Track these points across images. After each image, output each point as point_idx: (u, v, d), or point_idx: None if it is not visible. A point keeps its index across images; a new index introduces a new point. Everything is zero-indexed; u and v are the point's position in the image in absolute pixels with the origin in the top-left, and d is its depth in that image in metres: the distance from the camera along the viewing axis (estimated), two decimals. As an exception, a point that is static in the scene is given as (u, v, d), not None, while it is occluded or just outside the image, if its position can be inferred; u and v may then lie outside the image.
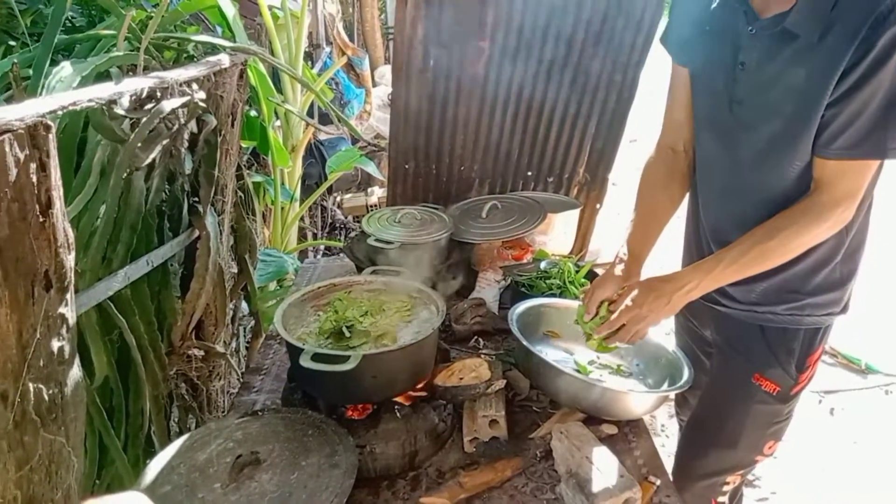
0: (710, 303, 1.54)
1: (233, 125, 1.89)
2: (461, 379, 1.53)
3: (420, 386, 1.54)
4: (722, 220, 1.49)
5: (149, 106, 1.49)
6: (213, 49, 1.87)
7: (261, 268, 2.53)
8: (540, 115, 2.51)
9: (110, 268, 1.50)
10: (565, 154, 2.62)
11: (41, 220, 1.04)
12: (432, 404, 1.49)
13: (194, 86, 1.61)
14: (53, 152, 1.05)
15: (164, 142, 1.55)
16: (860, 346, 3.42)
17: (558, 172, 2.68)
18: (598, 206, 2.76)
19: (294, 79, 3.15)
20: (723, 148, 1.42)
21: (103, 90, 1.27)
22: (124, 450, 1.64)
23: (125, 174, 1.49)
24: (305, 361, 1.23)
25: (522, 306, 1.76)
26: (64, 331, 1.14)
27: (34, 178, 1.02)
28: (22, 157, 0.99)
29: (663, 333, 1.70)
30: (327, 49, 4.69)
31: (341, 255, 3.01)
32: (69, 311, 1.15)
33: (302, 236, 3.89)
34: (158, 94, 1.52)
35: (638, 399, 1.52)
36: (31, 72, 1.51)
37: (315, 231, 4.27)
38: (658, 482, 1.41)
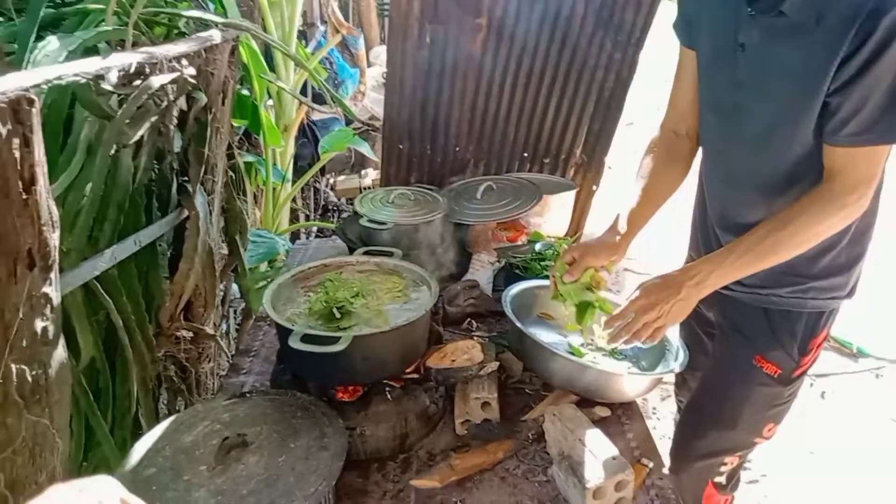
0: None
1: (224, 103, 1.86)
2: (453, 361, 1.52)
3: (411, 368, 1.53)
4: (727, 205, 1.48)
5: (137, 82, 1.46)
6: (205, 25, 1.83)
7: (251, 249, 2.51)
8: (537, 95, 2.47)
9: (97, 247, 1.48)
10: (562, 135, 2.60)
11: (24, 197, 1.02)
12: (424, 386, 1.48)
13: (184, 62, 1.58)
14: (37, 127, 1.03)
15: (153, 119, 1.52)
16: (852, 330, 3.43)
17: (554, 154, 2.65)
18: (594, 187, 2.74)
19: (287, 56, 3.10)
20: (725, 131, 1.41)
21: (90, 65, 1.24)
22: (111, 432, 1.63)
23: (112, 151, 1.46)
24: (295, 342, 1.22)
25: (516, 288, 1.74)
26: (48, 311, 1.12)
27: (17, 154, 1.00)
28: (4, 132, 0.97)
29: None
30: (322, 28, 4.62)
31: (333, 237, 2.99)
32: (53, 291, 1.13)
33: (294, 218, 3.86)
34: (147, 69, 1.48)
35: (631, 381, 1.52)
36: (15, 47, 1.47)
37: (307, 213, 4.24)
38: (651, 464, 1.41)
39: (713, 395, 1.61)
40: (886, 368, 3.32)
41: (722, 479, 1.65)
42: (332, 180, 4.80)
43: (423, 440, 1.46)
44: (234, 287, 2.42)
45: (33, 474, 1.14)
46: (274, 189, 3.20)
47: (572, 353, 1.59)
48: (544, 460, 1.42)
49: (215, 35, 1.72)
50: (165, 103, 1.59)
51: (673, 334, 1.62)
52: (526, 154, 2.66)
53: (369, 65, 5.53)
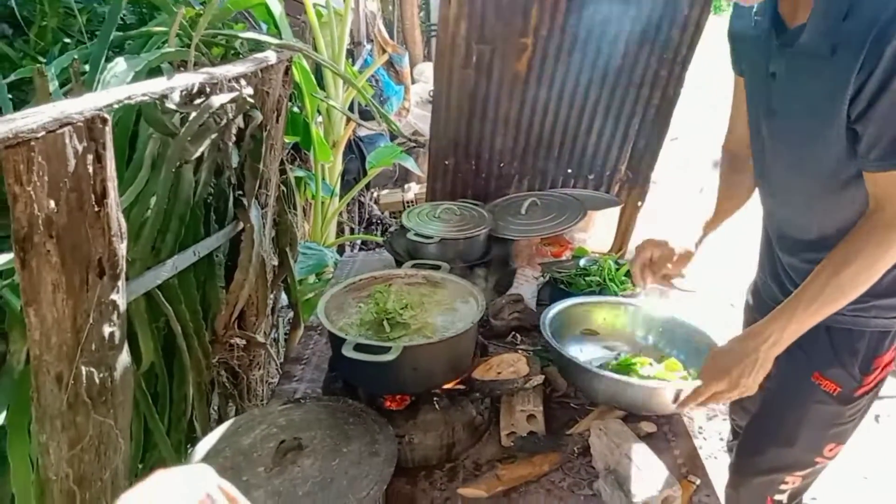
0: (777, 303, 1.52)
1: (278, 120, 1.92)
2: (499, 373, 1.53)
3: (458, 380, 1.55)
4: (781, 226, 1.50)
5: (198, 101, 1.53)
6: (259, 46, 1.90)
7: (301, 260, 2.57)
8: (582, 112, 2.49)
9: (159, 257, 1.54)
10: (607, 151, 2.60)
11: (96, 209, 1.08)
12: (470, 397, 1.50)
13: (242, 81, 1.65)
14: (109, 144, 1.09)
15: (213, 136, 1.59)
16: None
17: (599, 170, 2.66)
18: (639, 203, 2.73)
19: (337, 75, 3.19)
20: (765, 157, 1.44)
21: (156, 85, 1.31)
22: (167, 434, 1.68)
23: (175, 167, 1.53)
24: (348, 351, 1.26)
25: (556, 308, 1.76)
26: (115, 317, 1.18)
27: (91, 169, 1.06)
28: (80, 148, 1.03)
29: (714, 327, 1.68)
30: (368, 46, 4.72)
31: (378, 249, 3.04)
32: (120, 298, 1.18)
33: (340, 231, 3.94)
34: (208, 89, 1.55)
35: (673, 392, 1.50)
36: (86, 67, 1.56)
37: (352, 226, 4.32)
38: (698, 481, 1.39)
39: (772, 412, 1.59)
40: (946, 392, 3.20)
41: (783, 498, 1.62)
42: (376, 194, 4.89)
43: (469, 450, 1.48)
44: (283, 297, 2.48)
45: (98, 471, 1.19)
46: (322, 203, 3.28)
47: (620, 367, 1.59)
48: (590, 474, 1.42)
49: (271, 56, 1.79)
50: (224, 121, 1.66)
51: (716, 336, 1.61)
52: (570, 170, 2.67)
53: (413, 81, 5.63)
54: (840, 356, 1.44)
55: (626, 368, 1.57)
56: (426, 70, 5.96)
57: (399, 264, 1.99)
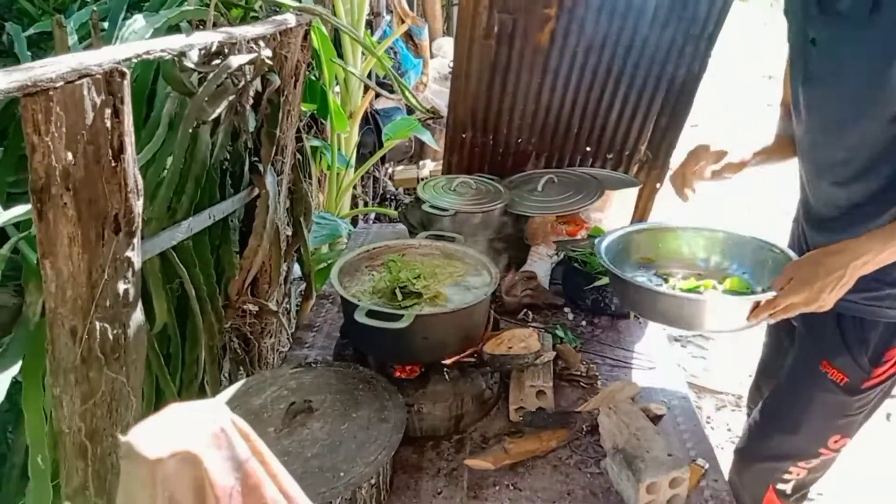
0: None
1: (295, 86, 1.91)
2: (510, 348, 1.53)
3: (469, 352, 1.55)
4: (812, 196, 1.47)
5: (217, 61, 1.52)
6: (279, 9, 1.88)
7: (315, 230, 2.57)
8: (603, 89, 2.44)
9: (174, 218, 1.54)
10: (627, 130, 2.56)
11: (113, 164, 1.08)
12: (480, 370, 1.50)
13: (261, 43, 1.63)
14: (127, 99, 1.08)
15: (231, 98, 1.57)
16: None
17: (619, 149, 2.62)
18: (658, 185, 2.69)
19: (356, 42, 3.15)
20: (803, 125, 1.42)
21: (175, 42, 1.29)
22: (178, 396, 1.70)
23: (192, 127, 1.52)
24: (360, 317, 1.25)
25: (610, 237, 1.68)
26: (129, 274, 1.18)
27: (108, 123, 1.05)
28: (98, 101, 1.02)
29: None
30: (387, 18, 4.67)
31: (393, 223, 3.03)
32: (135, 256, 1.19)
33: (353, 204, 3.93)
34: (226, 49, 1.54)
35: (731, 305, 1.44)
36: (105, 25, 1.55)
37: (366, 200, 4.31)
38: (707, 465, 1.39)
39: (780, 398, 1.58)
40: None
41: (786, 488, 1.61)
42: (390, 170, 4.86)
43: (477, 423, 1.48)
44: (296, 267, 2.48)
45: (110, 427, 1.20)
46: (337, 174, 3.26)
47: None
48: (597, 452, 1.42)
49: (290, 19, 1.77)
50: (242, 83, 1.65)
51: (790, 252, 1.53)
52: (589, 148, 2.64)
53: (432, 56, 5.56)
54: (849, 345, 1.42)
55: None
56: (445, 45, 5.89)
57: (413, 236, 1.98)
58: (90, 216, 1.06)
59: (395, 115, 4.14)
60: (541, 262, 2.17)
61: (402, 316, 1.27)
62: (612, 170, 2.64)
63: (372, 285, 1.51)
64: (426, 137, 3.61)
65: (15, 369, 1.21)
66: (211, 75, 1.48)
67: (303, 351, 1.74)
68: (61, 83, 0.93)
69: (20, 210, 1.19)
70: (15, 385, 1.23)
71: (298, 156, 2.19)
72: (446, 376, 1.44)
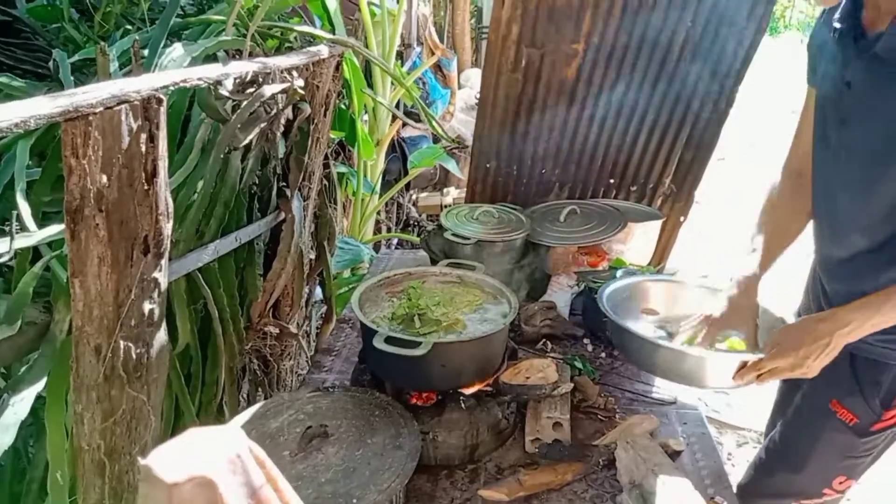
0: None
1: (325, 115, 1.95)
2: (527, 378, 1.52)
3: (486, 381, 1.55)
4: (830, 247, 1.43)
5: (251, 90, 1.56)
6: (312, 40, 1.93)
7: (338, 255, 2.60)
8: (629, 122, 2.46)
9: (202, 240, 1.58)
10: (651, 163, 2.56)
11: (146, 187, 1.11)
12: (497, 400, 1.50)
13: (294, 73, 1.67)
14: (163, 125, 1.12)
15: (262, 125, 1.61)
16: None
17: (642, 182, 2.62)
18: (682, 219, 2.68)
19: (386, 73, 3.21)
20: (831, 169, 1.38)
21: (211, 71, 1.34)
22: (197, 416, 1.72)
23: (224, 153, 1.56)
24: (379, 343, 1.26)
25: (614, 284, 1.71)
26: (156, 294, 1.20)
27: (143, 148, 1.09)
28: (135, 126, 1.06)
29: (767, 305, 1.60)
30: (418, 49, 4.75)
31: (414, 249, 3.06)
32: (162, 277, 1.21)
33: (377, 229, 3.97)
34: (261, 79, 1.58)
35: (735, 364, 1.41)
36: (146, 52, 1.61)
37: (389, 225, 4.35)
38: (724, 503, 1.36)
39: (786, 435, 1.56)
40: None
41: None
42: (414, 196, 4.91)
43: (492, 453, 1.47)
44: (318, 290, 2.51)
45: (129, 445, 1.22)
46: (362, 200, 3.31)
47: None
48: (613, 487, 1.40)
49: (323, 50, 1.81)
50: (274, 111, 1.69)
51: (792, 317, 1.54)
52: (612, 180, 2.65)
53: (460, 87, 5.64)
54: (862, 386, 1.39)
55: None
56: (473, 76, 5.97)
57: (434, 263, 1.99)
58: (121, 237, 1.09)
59: (421, 143, 4.19)
60: (561, 293, 2.16)
61: (421, 343, 1.28)
62: (636, 202, 2.64)
63: (391, 311, 1.53)
64: (451, 166, 3.65)
65: (40, 385, 1.24)
66: (244, 103, 1.52)
67: (321, 375, 1.75)
68: (101, 109, 0.97)
69: (54, 230, 1.22)
70: (38, 400, 1.26)
71: (325, 181, 2.23)
72: (462, 405, 1.44)
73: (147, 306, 1.19)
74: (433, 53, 4.28)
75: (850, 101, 1.27)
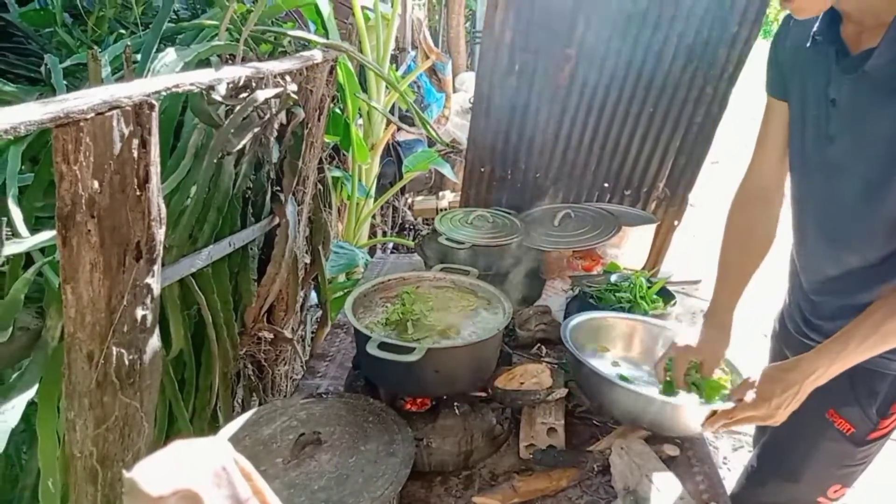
0: (803, 336, 1.49)
1: (319, 119, 1.95)
2: (522, 384, 1.52)
3: (480, 387, 1.54)
4: (818, 257, 1.42)
5: (244, 95, 1.56)
6: (306, 45, 1.93)
7: (333, 259, 2.60)
8: (623, 126, 2.47)
9: (195, 246, 1.57)
10: (646, 168, 2.57)
11: (138, 193, 1.10)
12: (491, 406, 1.49)
13: (287, 78, 1.67)
14: (155, 130, 1.11)
15: (256, 130, 1.61)
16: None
17: (636, 186, 2.63)
18: (675, 223, 2.69)
19: (380, 77, 3.22)
20: (817, 186, 1.35)
21: (204, 76, 1.33)
22: (191, 422, 1.71)
23: (217, 158, 1.56)
24: (372, 349, 1.26)
25: (577, 319, 1.73)
26: (148, 300, 1.20)
27: (135, 154, 1.08)
28: (127, 132, 1.05)
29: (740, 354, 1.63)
30: (412, 53, 4.76)
31: (409, 253, 3.05)
32: (155, 283, 1.20)
33: (372, 233, 3.96)
34: (254, 83, 1.58)
35: (699, 413, 1.45)
36: (139, 57, 1.60)
37: (385, 229, 4.35)
38: (720, 510, 1.36)
39: (781, 444, 1.55)
40: None
41: None
42: (410, 200, 4.91)
43: (486, 459, 1.47)
44: (313, 295, 2.50)
45: (121, 452, 1.21)
46: (357, 204, 3.30)
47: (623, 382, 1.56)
48: (608, 493, 1.39)
49: (317, 55, 1.81)
50: (268, 116, 1.69)
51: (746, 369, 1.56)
52: (607, 184, 2.65)
53: (454, 90, 5.65)
54: (858, 396, 1.39)
55: (669, 390, 1.54)
56: (468, 80, 5.98)
57: (429, 268, 1.99)
58: (113, 243, 1.09)
59: (416, 146, 4.19)
60: (556, 297, 2.16)
61: (415, 349, 1.28)
62: (630, 206, 2.65)
63: (385, 317, 1.52)
64: (446, 170, 3.65)
65: (32, 392, 1.23)
66: (238, 108, 1.52)
67: (315, 380, 1.75)
68: (92, 114, 0.96)
69: (46, 235, 1.22)
70: (30, 406, 1.25)
71: (319, 186, 2.23)
72: (456, 411, 1.43)
73: (140, 312, 1.18)
74: (428, 57, 4.29)
75: (837, 119, 1.24)
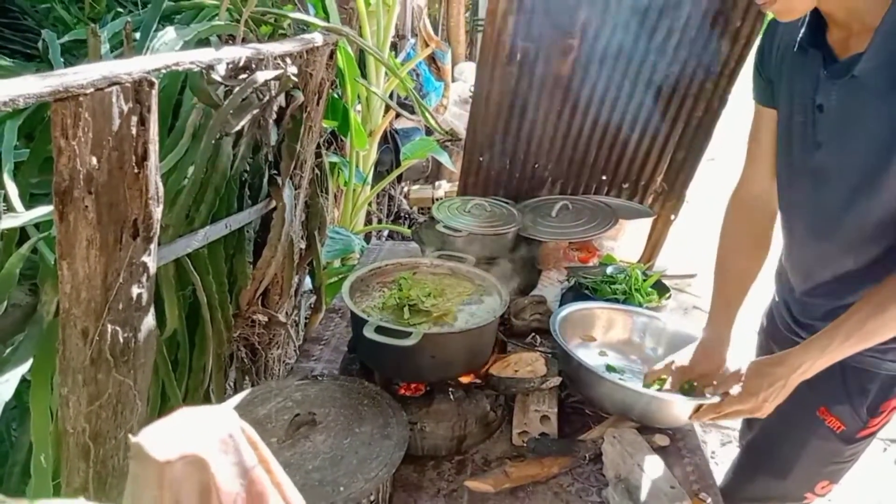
0: (791, 333, 1.49)
1: (318, 103, 1.94)
2: (516, 371, 1.53)
3: (475, 373, 1.55)
4: (809, 262, 1.43)
5: (243, 75, 1.55)
6: (306, 28, 1.92)
7: (329, 245, 2.59)
8: (622, 119, 2.47)
9: (192, 226, 1.56)
10: (644, 161, 2.57)
11: (136, 171, 1.10)
12: (485, 392, 1.50)
13: (287, 60, 1.66)
14: (154, 108, 1.11)
15: (255, 111, 1.60)
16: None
17: (634, 179, 2.63)
18: (672, 217, 2.69)
19: (380, 62, 3.20)
20: (806, 192, 1.35)
21: (204, 55, 1.32)
22: (183, 401, 1.71)
23: (215, 138, 1.55)
24: (369, 332, 1.26)
25: (566, 310, 1.74)
26: (144, 279, 1.19)
27: (134, 131, 1.07)
28: (126, 109, 1.05)
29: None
30: (412, 41, 4.74)
31: (406, 241, 3.05)
32: (151, 261, 1.20)
33: (368, 220, 3.96)
34: (254, 64, 1.57)
35: (685, 406, 1.47)
36: (138, 35, 1.59)
37: (380, 217, 4.34)
38: (709, 500, 1.37)
39: (770, 441, 1.56)
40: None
41: None
42: (406, 189, 4.90)
43: (479, 445, 1.47)
44: (307, 280, 2.50)
45: (114, 430, 1.21)
46: (354, 190, 3.30)
47: (609, 372, 1.58)
48: (599, 481, 1.40)
49: (317, 38, 1.80)
50: (267, 98, 1.68)
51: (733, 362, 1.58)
52: (605, 177, 2.65)
53: (453, 80, 5.63)
54: (850, 394, 1.41)
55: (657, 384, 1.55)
56: (467, 70, 5.96)
57: (425, 255, 1.99)
58: (110, 220, 1.08)
59: (414, 135, 4.18)
60: (551, 287, 2.17)
61: (411, 333, 1.28)
62: (628, 199, 2.65)
63: (382, 301, 1.52)
64: (443, 158, 3.64)
65: (25, 367, 1.23)
66: (237, 89, 1.51)
67: (309, 364, 1.75)
68: (91, 90, 0.96)
69: (42, 211, 1.21)
70: (23, 383, 1.24)
71: (317, 171, 2.22)
72: (451, 396, 1.44)
73: (135, 290, 1.18)
74: (427, 45, 4.27)
75: (825, 125, 1.24)
